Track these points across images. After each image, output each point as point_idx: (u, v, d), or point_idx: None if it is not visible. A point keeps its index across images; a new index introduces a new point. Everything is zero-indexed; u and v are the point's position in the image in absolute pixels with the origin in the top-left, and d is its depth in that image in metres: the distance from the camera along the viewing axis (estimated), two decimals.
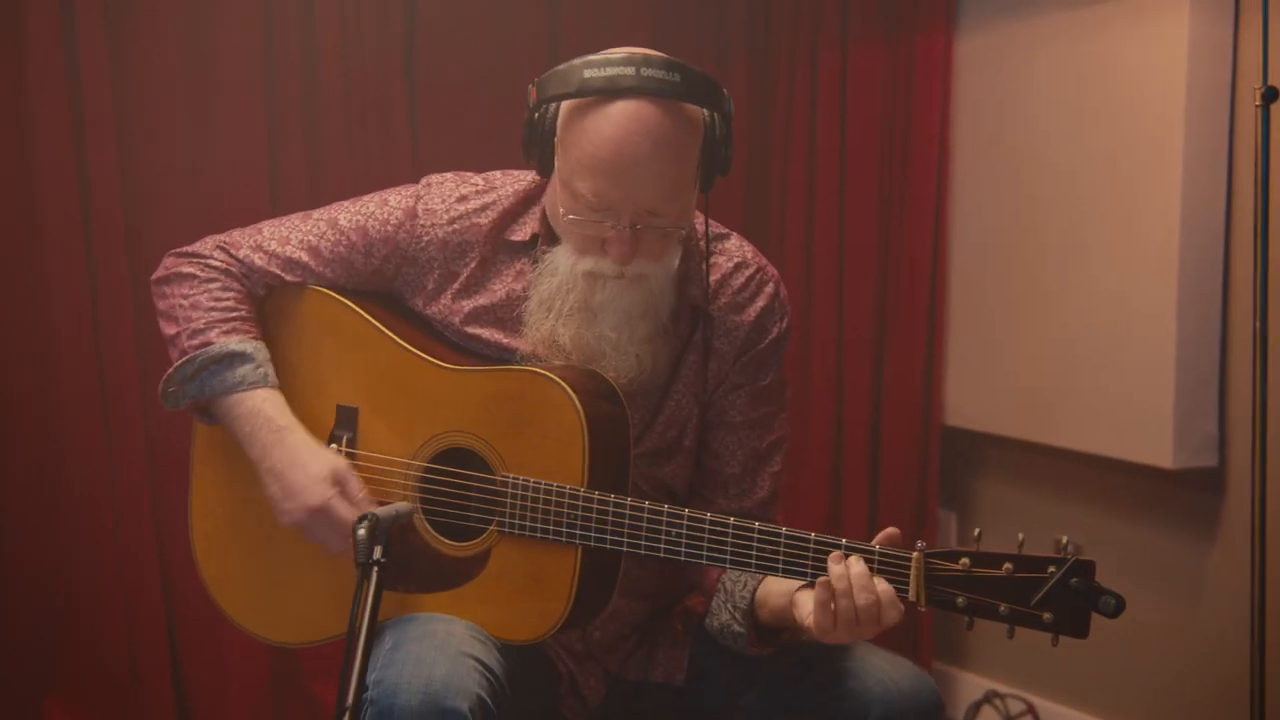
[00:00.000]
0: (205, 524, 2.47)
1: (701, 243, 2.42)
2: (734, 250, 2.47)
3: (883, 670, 2.30)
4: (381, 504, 2.26)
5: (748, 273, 2.45)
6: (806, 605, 2.15)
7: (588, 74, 2.19)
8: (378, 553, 2.02)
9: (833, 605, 2.08)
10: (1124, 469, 3.64)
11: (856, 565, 2.08)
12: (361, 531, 2.01)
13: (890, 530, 2.12)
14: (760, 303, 2.44)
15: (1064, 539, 2.06)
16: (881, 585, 2.07)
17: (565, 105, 2.24)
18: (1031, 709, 3.96)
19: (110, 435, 3.42)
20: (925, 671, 2.35)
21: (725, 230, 2.49)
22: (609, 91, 2.19)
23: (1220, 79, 3.41)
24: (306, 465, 2.29)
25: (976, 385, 4.02)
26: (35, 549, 3.40)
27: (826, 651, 2.31)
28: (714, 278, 2.42)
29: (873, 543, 2.12)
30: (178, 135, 3.48)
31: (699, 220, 2.42)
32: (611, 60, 2.19)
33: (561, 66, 2.22)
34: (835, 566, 2.08)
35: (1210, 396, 3.47)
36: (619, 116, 2.18)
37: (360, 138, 3.68)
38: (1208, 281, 3.45)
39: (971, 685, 4.11)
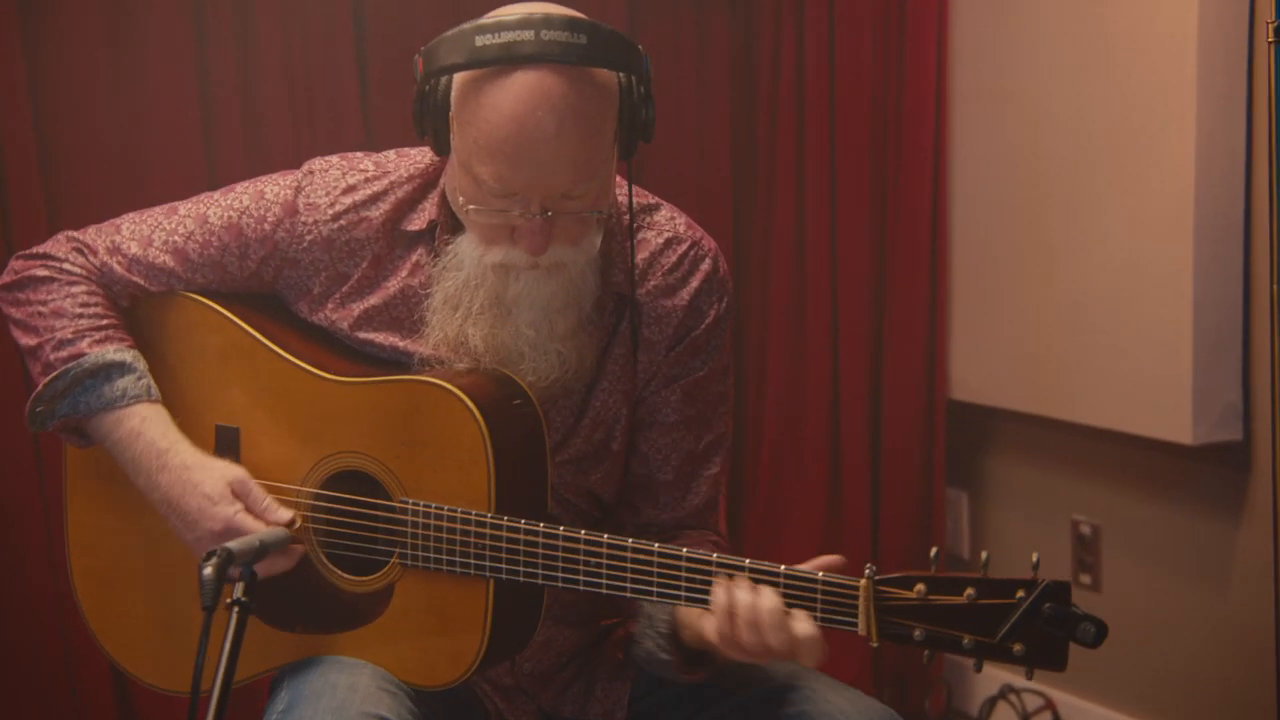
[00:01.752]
0: (86, 561, 2.20)
1: (625, 217, 2.13)
2: (664, 224, 2.17)
3: (844, 713, 2.03)
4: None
5: (680, 249, 2.15)
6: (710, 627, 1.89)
7: (480, 40, 1.88)
8: (238, 591, 1.76)
9: (738, 639, 1.82)
10: (1141, 445, 3.40)
11: (768, 599, 1.81)
12: (208, 570, 1.73)
13: (831, 558, 1.84)
14: (695, 282, 2.14)
15: (1035, 557, 1.77)
16: (802, 627, 1.80)
17: (459, 77, 1.94)
18: (1050, 704, 3.70)
19: (39, 437, 3.18)
20: (890, 710, 2.06)
21: (653, 200, 2.20)
22: (505, 60, 1.88)
23: (1235, 15, 3.14)
24: (199, 486, 2.01)
25: (983, 356, 3.77)
26: None
27: (777, 690, 2.06)
28: (641, 256, 2.13)
29: (814, 569, 1.84)
30: (101, 113, 3.23)
31: (622, 192, 2.13)
32: (505, 23, 1.88)
33: (450, 32, 1.92)
34: (742, 595, 1.82)
35: (1232, 365, 3.21)
36: (519, 89, 1.88)
37: (304, 101, 3.40)
38: (1227, 238, 3.20)
39: (986, 679, 3.84)
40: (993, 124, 3.68)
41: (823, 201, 3.84)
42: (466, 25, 1.91)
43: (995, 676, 3.81)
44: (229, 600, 1.76)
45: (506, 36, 1.88)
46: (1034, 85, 3.54)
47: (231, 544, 1.80)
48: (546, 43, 1.87)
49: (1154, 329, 3.26)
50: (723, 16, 3.86)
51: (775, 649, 1.81)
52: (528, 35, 1.87)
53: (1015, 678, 3.76)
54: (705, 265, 2.16)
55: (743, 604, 1.81)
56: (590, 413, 2.12)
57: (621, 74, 1.96)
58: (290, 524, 2.00)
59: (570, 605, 2.18)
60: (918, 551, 3.85)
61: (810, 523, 3.88)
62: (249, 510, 2.00)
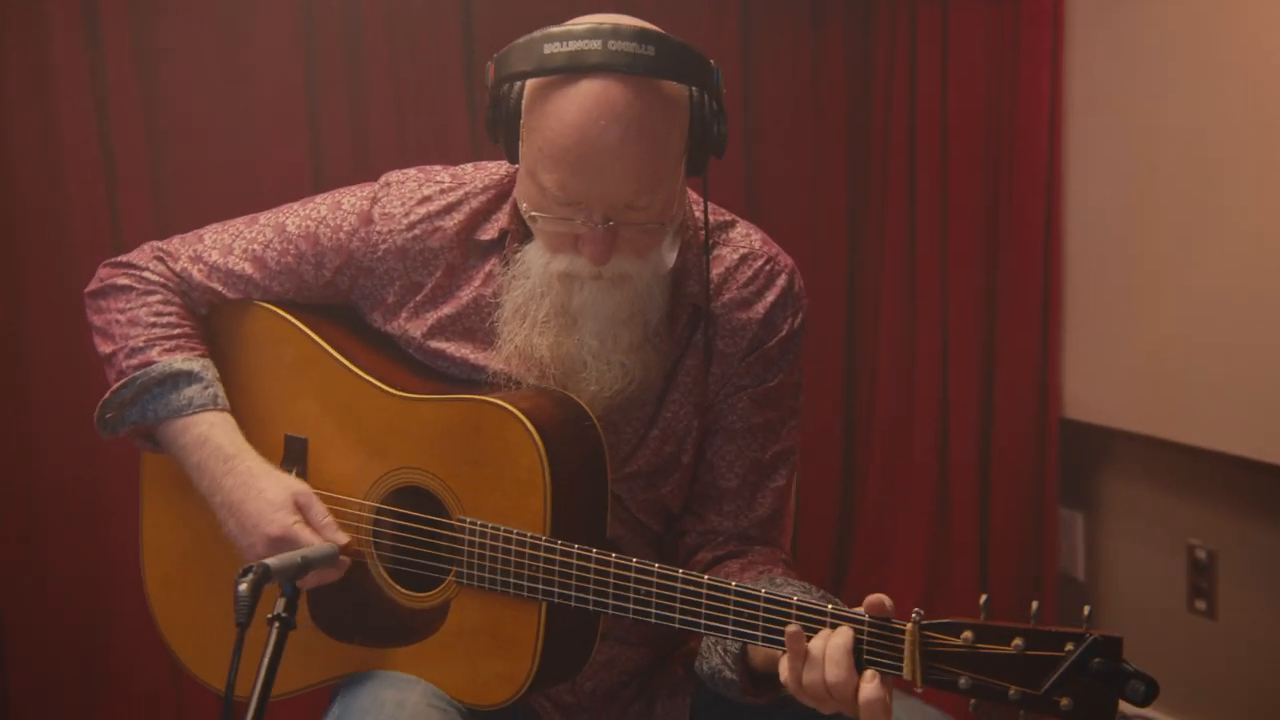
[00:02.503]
0: (159, 567, 2.25)
1: (701, 233, 2.12)
2: (739, 240, 2.16)
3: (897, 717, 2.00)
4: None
5: (756, 264, 2.14)
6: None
7: (548, 49, 1.88)
8: (279, 606, 1.78)
9: (800, 676, 1.79)
10: (1258, 469, 3.30)
11: (838, 637, 1.78)
12: (243, 586, 1.75)
13: (877, 597, 1.80)
14: (771, 296, 2.13)
15: (1087, 610, 1.72)
16: (867, 687, 1.76)
17: (529, 84, 1.94)
18: None
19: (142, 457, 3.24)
20: (949, 717, 2.03)
21: (730, 217, 2.19)
22: (572, 69, 1.88)
23: None
24: (263, 492, 2.04)
25: (1098, 375, 3.68)
26: (75, 568, 3.26)
27: None
28: (717, 271, 2.12)
29: (862, 610, 1.81)
30: (211, 127, 3.29)
31: (698, 207, 2.12)
32: (574, 33, 1.88)
33: (521, 40, 1.92)
34: (816, 642, 1.79)
35: None
36: (583, 99, 1.87)
37: (411, 109, 3.43)
38: None
39: None
40: (1108, 139, 3.59)
41: (934, 216, 3.79)
42: (537, 33, 1.90)
43: None
44: (269, 615, 1.78)
45: (574, 45, 1.87)
46: (1150, 99, 3.46)
47: (270, 560, 1.80)
48: (613, 52, 1.87)
49: (1271, 350, 3.16)
50: (837, 29, 3.81)
51: (833, 685, 1.77)
52: (595, 45, 1.87)
53: (1131, 708, 3.66)
54: (781, 280, 2.15)
55: (814, 645, 1.79)
56: (660, 424, 2.11)
57: (694, 89, 1.95)
58: (343, 547, 2.02)
59: (633, 625, 2.15)
60: (1028, 573, 3.78)
61: (918, 541, 3.83)
62: (309, 524, 2.02)
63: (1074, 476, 3.84)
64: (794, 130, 3.79)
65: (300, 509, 2.03)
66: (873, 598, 1.80)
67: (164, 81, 3.24)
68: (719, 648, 1.99)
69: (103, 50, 3.15)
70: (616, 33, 1.87)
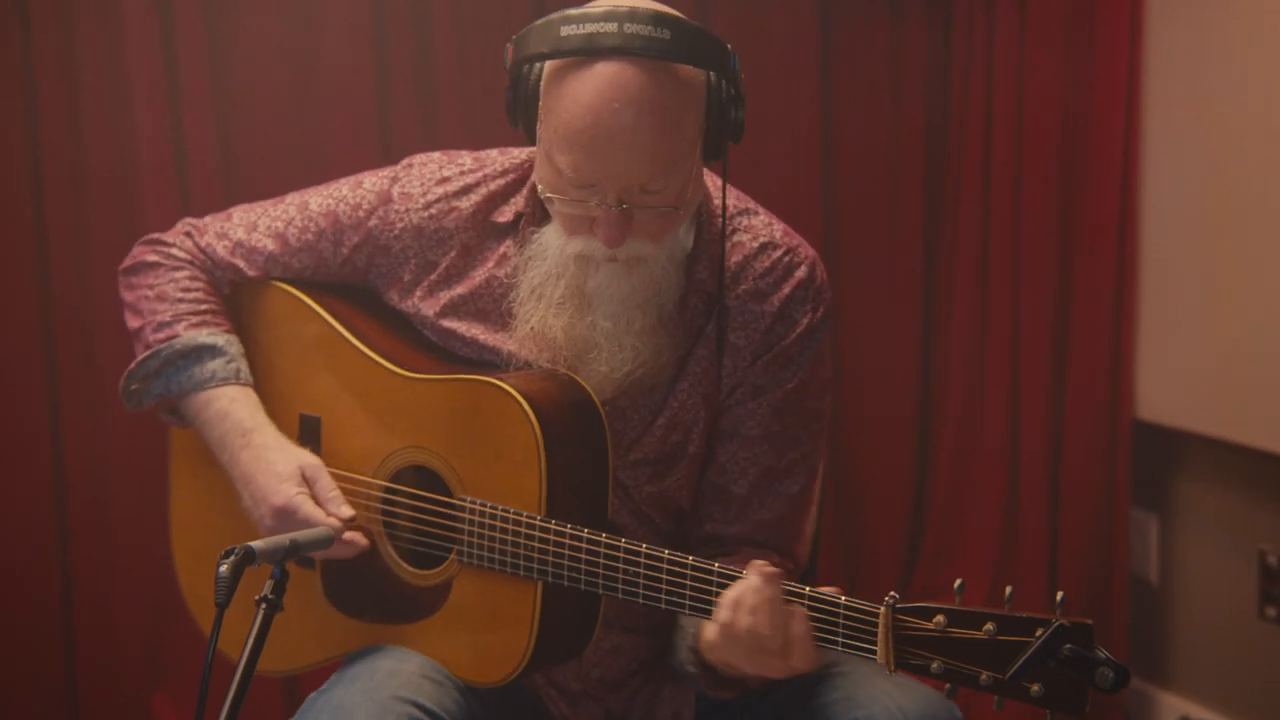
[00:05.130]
0: (185, 539, 2.32)
1: (719, 219, 2.12)
2: (760, 228, 2.15)
3: (892, 698, 2.00)
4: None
5: (775, 255, 2.13)
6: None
7: (565, 31, 1.91)
8: (267, 588, 1.81)
9: (736, 624, 1.83)
10: None
11: (770, 586, 1.81)
12: (224, 568, 1.78)
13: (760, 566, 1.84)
14: (787, 289, 2.11)
15: (1060, 595, 1.71)
16: (798, 626, 1.80)
17: (548, 66, 1.97)
18: None
19: None
20: (945, 698, 1.99)
21: (752, 205, 2.18)
22: (587, 51, 1.91)
23: None
24: (273, 464, 2.10)
25: (1173, 375, 3.60)
26: (145, 544, 3.31)
27: (830, 680, 2.05)
28: (734, 259, 2.11)
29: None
30: (279, 107, 3.36)
31: (716, 193, 2.13)
32: (591, 15, 1.91)
33: (539, 22, 1.95)
34: (752, 577, 1.83)
35: None
36: (597, 81, 1.90)
37: (479, 98, 3.47)
38: None
39: (1170, 709, 3.68)
40: (1185, 134, 3.52)
41: (1007, 212, 3.74)
42: (555, 15, 1.93)
43: (1173, 706, 3.66)
44: (256, 597, 1.81)
45: (590, 28, 1.90)
46: (1228, 95, 3.38)
47: (255, 543, 1.82)
48: (629, 35, 1.89)
49: None
50: (918, 25, 3.80)
51: (763, 624, 1.80)
52: (611, 27, 1.89)
53: (1194, 708, 3.60)
54: (800, 272, 2.13)
55: (753, 584, 1.82)
56: (667, 412, 2.11)
57: (712, 74, 1.96)
58: (348, 521, 2.06)
59: (642, 613, 2.15)
60: (1098, 573, 3.73)
61: (988, 540, 3.79)
62: (314, 496, 2.07)
63: (1150, 478, 3.77)
64: (871, 124, 3.78)
65: (307, 481, 2.09)
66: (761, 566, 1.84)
67: (235, 72, 3.31)
68: (684, 643, 2.01)
69: (175, 40, 3.23)
70: (633, 16, 1.89)
